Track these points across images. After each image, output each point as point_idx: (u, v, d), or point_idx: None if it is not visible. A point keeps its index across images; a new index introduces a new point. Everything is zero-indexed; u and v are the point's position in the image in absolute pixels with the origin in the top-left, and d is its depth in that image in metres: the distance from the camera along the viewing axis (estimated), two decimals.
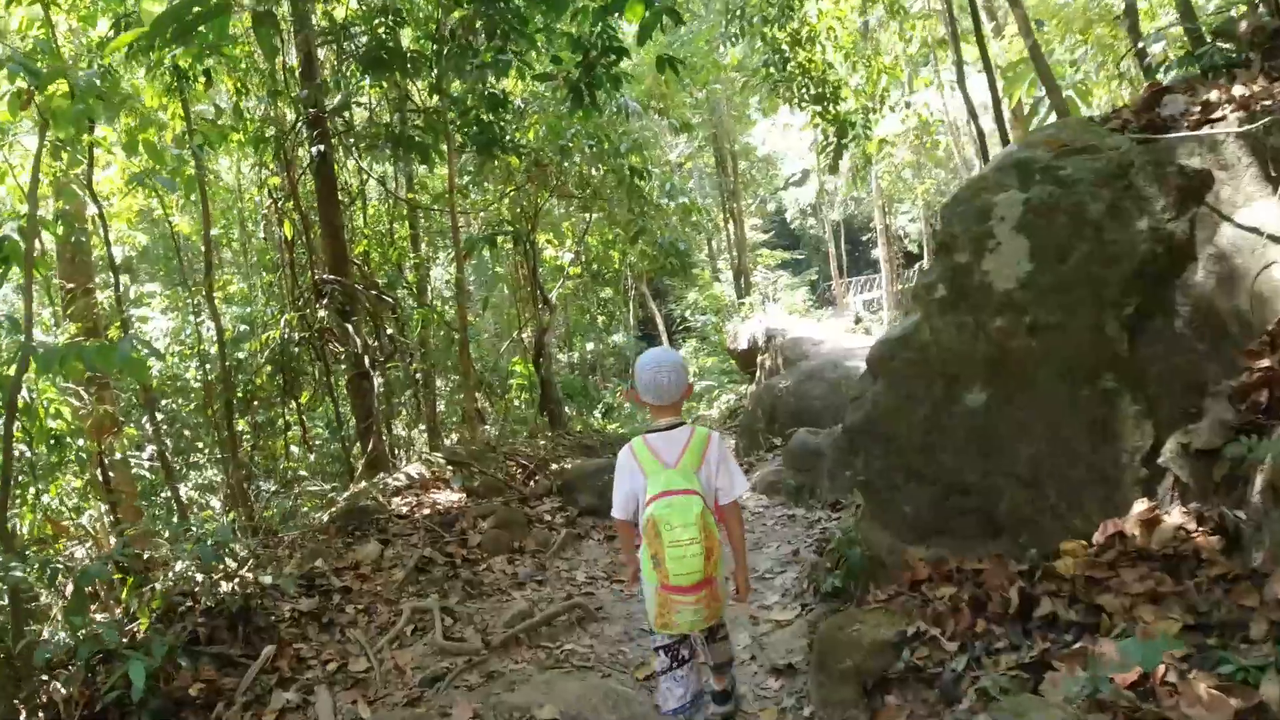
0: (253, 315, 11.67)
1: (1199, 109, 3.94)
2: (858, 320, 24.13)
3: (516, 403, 13.24)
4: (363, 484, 7.81)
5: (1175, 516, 3.07)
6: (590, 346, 25.12)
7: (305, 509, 7.82)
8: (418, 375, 11.25)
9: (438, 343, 12.02)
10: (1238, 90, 3.90)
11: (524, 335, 13.28)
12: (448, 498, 7.06)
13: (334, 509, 7.00)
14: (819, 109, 8.22)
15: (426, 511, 6.68)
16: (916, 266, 29.66)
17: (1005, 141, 7.12)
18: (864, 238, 38.99)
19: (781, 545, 5.76)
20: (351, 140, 8.72)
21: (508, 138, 7.58)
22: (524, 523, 6.12)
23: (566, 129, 8.94)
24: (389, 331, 10.62)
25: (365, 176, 10.55)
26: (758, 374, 14.11)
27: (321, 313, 9.23)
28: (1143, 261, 3.56)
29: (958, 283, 3.92)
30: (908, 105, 10.12)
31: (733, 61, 12.82)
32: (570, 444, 9.65)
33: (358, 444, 9.69)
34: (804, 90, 7.77)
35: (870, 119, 8.64)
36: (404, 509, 6.82)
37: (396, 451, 10.65)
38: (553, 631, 4.50)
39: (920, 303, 4.07)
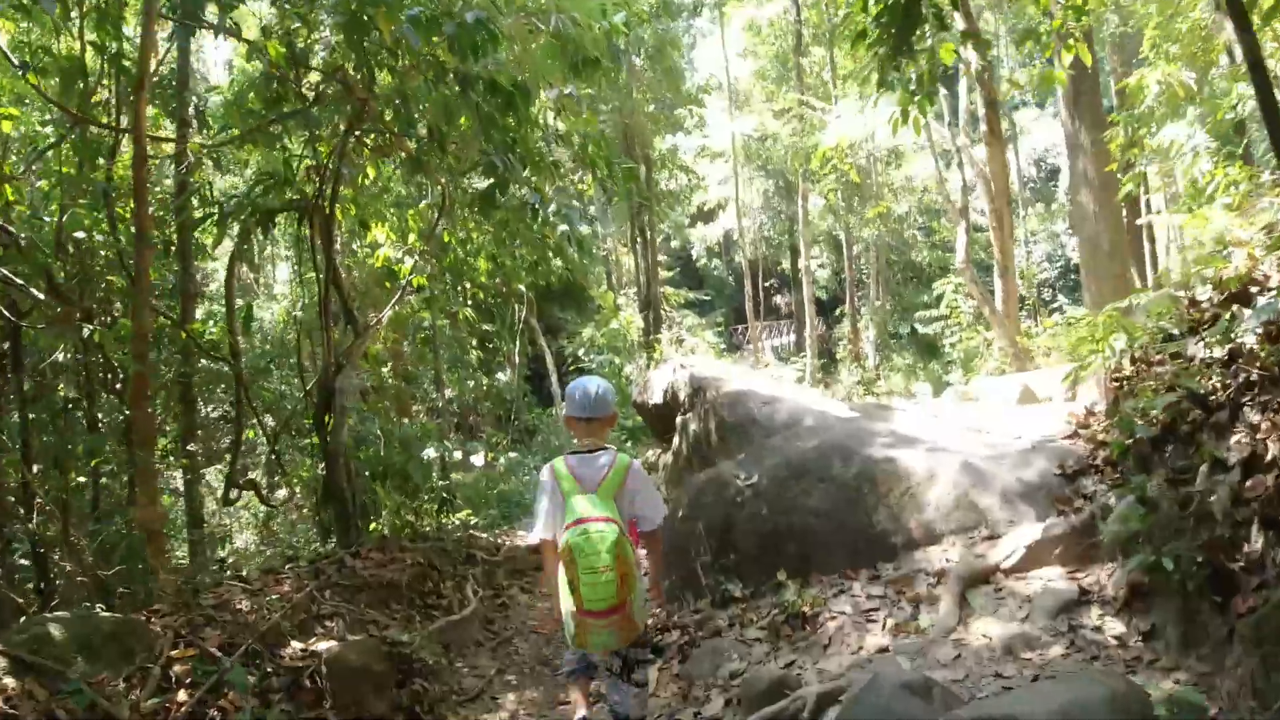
0: None
1: None
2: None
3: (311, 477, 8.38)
4: None
5: None
6: (471, 384, 20.30)
7: None
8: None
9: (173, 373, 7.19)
10: None
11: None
12: None
13: None
14: None
15: None
16: (838, 312, 26.20)
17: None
18: (766, 283, 35.64)
19: None
20: None
21: None
22: None
23: None
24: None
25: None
26: (677, 441, 9.72)
27: None
28: None
29: None
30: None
31: None
32: (347, 584, 4.95)
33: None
34: None
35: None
36: None
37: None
38: None
39: None
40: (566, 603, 2.70)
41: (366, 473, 6.52)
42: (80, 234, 5.63)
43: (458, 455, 17.63)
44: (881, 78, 4.67)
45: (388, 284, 8.40)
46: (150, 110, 6.79)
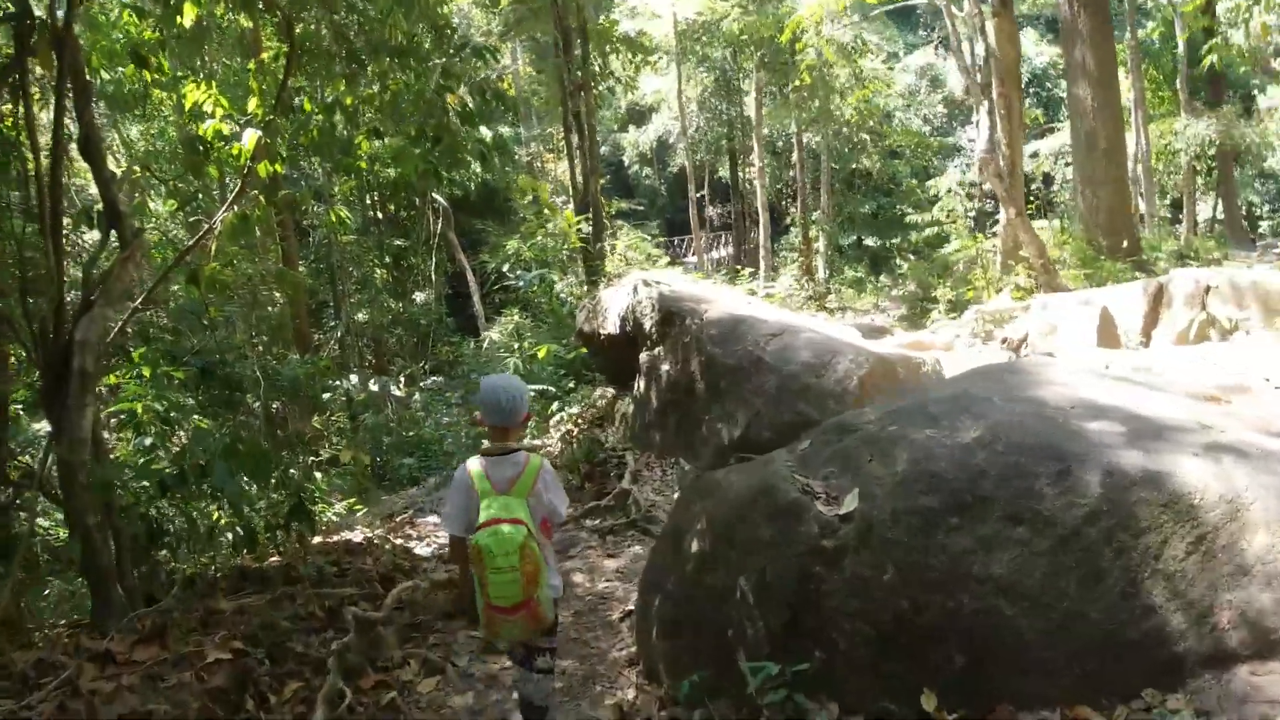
0: None
1: None
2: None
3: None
4: None
5: None
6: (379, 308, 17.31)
7: None
8: None
9: None
10: None
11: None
12: None
13: None
14: None
15: None
16: (787, 222, 23.79)
17: None
18: (700, 193, 32.88)
19: None
20: None
21: None
22: None
23: None
24: None
25: None
26: (641, 385, 7.24)
27: None
28: None
29: None
30: None
31: None
32: None
33: None
34: None
35: None
36: None
37: None
38: None
39: None
40: (478, 598, 2.72)
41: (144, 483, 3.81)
42: None
43: (373, 388, 14.85)
44: None
45: (214, 171, 5.51)
46: None
